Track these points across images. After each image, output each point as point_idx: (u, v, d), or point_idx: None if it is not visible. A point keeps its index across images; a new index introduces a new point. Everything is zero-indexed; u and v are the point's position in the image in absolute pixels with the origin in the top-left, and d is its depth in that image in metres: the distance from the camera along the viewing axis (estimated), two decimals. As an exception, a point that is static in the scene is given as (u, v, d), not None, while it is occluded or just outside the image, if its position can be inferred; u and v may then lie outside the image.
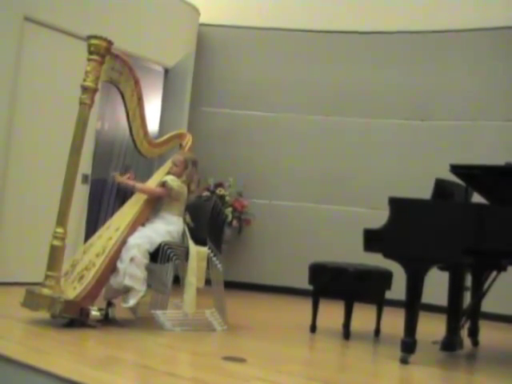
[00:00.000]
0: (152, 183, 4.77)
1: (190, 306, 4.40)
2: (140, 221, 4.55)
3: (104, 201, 7.93)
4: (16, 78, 5.90)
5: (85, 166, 5.98)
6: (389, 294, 4.89)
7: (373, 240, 4.08)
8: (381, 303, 4.90)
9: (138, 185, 4.68)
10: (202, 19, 7.99)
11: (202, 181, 6.80)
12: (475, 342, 4.70)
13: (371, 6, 7.75)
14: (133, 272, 4.26)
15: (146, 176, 5.18)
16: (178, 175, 4.69)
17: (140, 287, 4.30)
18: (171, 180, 4.62)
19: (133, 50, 6.41)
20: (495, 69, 7.19)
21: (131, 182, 4.70)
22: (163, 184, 4.61)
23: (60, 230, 4.12)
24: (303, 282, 5.07)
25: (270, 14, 8.06)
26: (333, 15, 7.86)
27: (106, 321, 4.26)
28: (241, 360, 3.50)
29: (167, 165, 4.88)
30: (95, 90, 4.22)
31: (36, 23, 6.01)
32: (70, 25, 6.18)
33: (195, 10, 7.86)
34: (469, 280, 4.60)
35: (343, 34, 7.85)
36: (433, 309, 5.29)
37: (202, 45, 8.02)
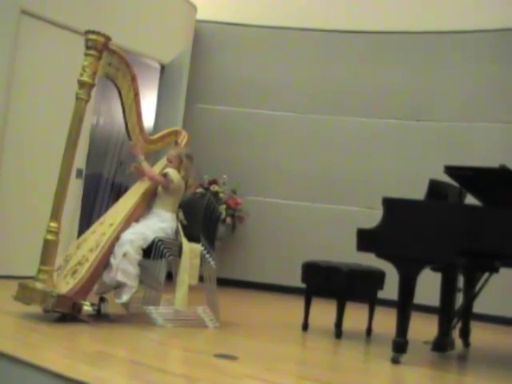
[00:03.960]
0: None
1: (182, 303, 4.39)
2: (134, 217, 4.54)
3: (98, 196, 7.92)
4: (12, 72, 5.87)
5: (79, 160, 5.97)
6: (381, 294, 4.91)
7: (366, 240, 4.08)
8: (373, 303, 4.91)
9: (145, 164, 4.65)
10: (199, 16, 7.99)
11: (197, 177, 6.81)
12: (466, 343, 4.71)
13: (369, 6, 7.76)
14: (125, 268, 4.25)
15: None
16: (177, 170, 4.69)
17: (133, 283, 4.30)
18: (173, 173, 4.62)
19: (129, 46, 6.39)
20: (491, 70, 7.21)
21: (141, 158, 4.64)
22: (165, 175, 4.61)
23: (54, 224, 4.12)
24: (296, 281, 5.07)
25: (267, 11, 8.06)
26: (331, 14, 7.86)
27: (98, 316, 4.26)
28: (232, 357, 3.50)
29: (162, 163, 4.87)
30: (92, 85, 4.22)
31: (33, 17, 5.98)
32: (67, 19, 6.16)
33: (192, 7, 7.85)
34: (461, 281, 4.62)
35: (340, 33, 7.87)
36: (425, 309, 5.30)
37: (199, 41, 8.02)
